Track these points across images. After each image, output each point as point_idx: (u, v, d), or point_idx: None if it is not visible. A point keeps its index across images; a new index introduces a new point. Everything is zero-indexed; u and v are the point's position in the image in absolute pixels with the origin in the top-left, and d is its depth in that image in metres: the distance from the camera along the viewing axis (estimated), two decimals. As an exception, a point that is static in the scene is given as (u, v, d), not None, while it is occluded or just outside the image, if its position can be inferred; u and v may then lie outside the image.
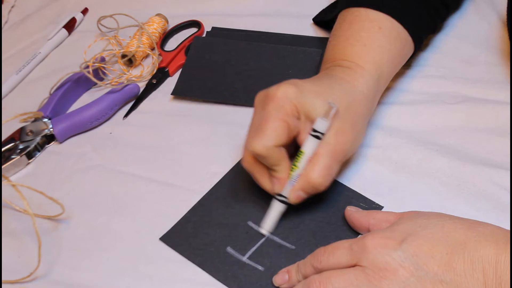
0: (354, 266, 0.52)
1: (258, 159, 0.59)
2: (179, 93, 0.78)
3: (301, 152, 0.59)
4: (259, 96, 0.61)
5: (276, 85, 0.60)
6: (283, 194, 0.60)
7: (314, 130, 0.58)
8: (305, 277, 0.55)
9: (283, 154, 0.59)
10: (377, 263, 0.50)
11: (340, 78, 0.64)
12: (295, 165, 0.59)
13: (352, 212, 0.60)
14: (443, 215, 0.55)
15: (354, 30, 0.68)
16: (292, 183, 0.59)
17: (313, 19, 0.83)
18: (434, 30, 0.77)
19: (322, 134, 0.58)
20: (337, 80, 0.63)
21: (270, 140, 0.58)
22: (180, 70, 0.82)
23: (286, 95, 0.59)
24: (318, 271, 0.54)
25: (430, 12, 0.73)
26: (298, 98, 0.59)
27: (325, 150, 0.58)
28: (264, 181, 0.61)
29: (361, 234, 0.60)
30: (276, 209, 0.61)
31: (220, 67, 0.79)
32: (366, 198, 0.63)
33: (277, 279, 0.57)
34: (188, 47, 0.84)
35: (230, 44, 0.82)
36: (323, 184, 0.59)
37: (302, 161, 0.59)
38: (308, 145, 0.58)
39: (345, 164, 0.66)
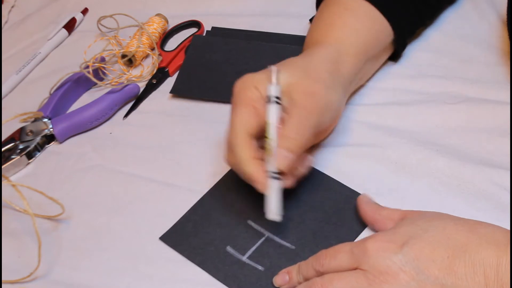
0: (355, 269, 0.52)
1: (234, 151, 0.59)
2: (178, 92, 0.78)
3: (267, 123, 0.59)
4: (236, 87, 0.63)
5: (248, 74, 0.63)
6: (271, 169, 0.57)
7: (268, 97, 0.59)
8: (306, 279, 0.55)
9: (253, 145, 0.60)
10: (378, 267, 0.50)
11: (303, 54, 0.67)
12: (267, 137, 0.58)
13: (363, 203, 0.61)
14: (445, 216, 0.55)
15: (323, 13, 0.71)
16: (274, 155, 0.57)
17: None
18: (420, 16, 0.76)
19: (277, 98, 0.58)
20: (298, 56, 0.66)
21: (242, 126, 0.59)
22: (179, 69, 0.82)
23: (244, 83, 0.61)
24: (320, 274, 0.54)
25: None
26: (255, 82, 0.61)
27: (293, 106, 0.59)
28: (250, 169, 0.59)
29: (361, 234, 0.60)
30: (273, 189, 0.57)
31: (219, 66, 0.79)
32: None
33: (278, 279, 0.57)
34: (188, 47, 0.84)
35: (230, 43, 0.82)
36: (299, 133, 0.58)
37: (271, 130, 0.58)
38: (270, 114, 0.59)
39: (345, 163, 0.66)
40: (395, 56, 0.76)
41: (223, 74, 0.78)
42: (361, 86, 0.75)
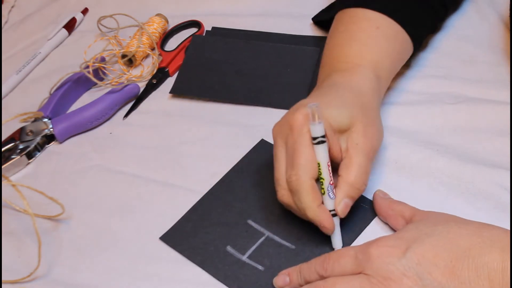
0: (359, 273, 0.52)
1: (299, 197, 0.57)
2: (177, 91, 0.78)
3: (318, 164, 0.57)
4: (277, 128, 0.60)
5: (290, 112, 0.59)
6: (330, 208, 0.58)
7: (314, 138, 0.57)
8: (307, 281, 0.55)
9: (318, 191, 0.58)
10: (382, 272, 0.50)
11: (343, 83, 0.63)
12: (321, 178, 0.57)
13: (379, 198, 0.61)
14: (450, 219, 0.54)
15: (352, 30, 0.68)
16: (329, 194, 0.57)
17: (313, 19, 0.83)
18: (433, 30, 0.77)
19: (323, 137, 0.57)
20: (341, 85, 0.63)
21: (308, 172, 0.56)
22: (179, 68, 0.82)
23: (305, 118, 0.57)
24: (322, 278, 0.54)
25: (428, 12, 0.73)
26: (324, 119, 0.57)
27: (356, 151, 0.58)
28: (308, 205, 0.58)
29: (361, 234, 0.60)
30: (336, 227, 0.58)
31: (218, 66, 0.79)
32: (366, 198, 0.63)
33: (278, 281, 0.57)
34: (188, 47, 0.84)
35: (229, 42, 0.82)
36: (364, 184, 0.58)
37: (323, 171, 0.57)
38: (318, 154, 0.57)
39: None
40: None
41: (222, 73, 0.78)
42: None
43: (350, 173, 0.58)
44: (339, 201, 0.58)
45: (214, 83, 0.77)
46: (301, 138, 0.57)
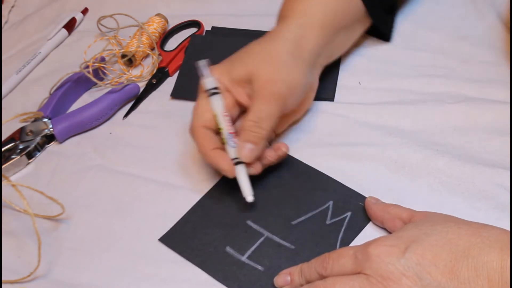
0: (359, 273, 0.52)
1: (196, 145, 0.63)
2: (178, 95, 0.78)
3: (214, 115, 0.61)
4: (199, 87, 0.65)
5: None
6: (233, 156, 0.61)
7: (206, 91, 0.61)
8: (308, 281, 0.55)
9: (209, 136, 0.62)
10: (381, 272, 0.50)
11: (263, 37, 0.67)
12: (219, 129, 0.61)
13: (372, 204, 0.61)
14: (450, 220, 0.54)
15: None
16: (230, 143, 0.61)
17: None
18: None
19: (215, 88, 0.60)
20: (259, 40, 0.66)
21: (200, 120, 0.61)
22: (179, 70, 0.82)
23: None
24: (323, 277, 0.54)
25: None
26: (217, 73, 0.62)
27: (256, 97, 0.61)
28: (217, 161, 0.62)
29: (360, 234, 0.60)
30: (239, 174, 0.61)
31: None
32: (366, 198, 0.63)
33: (279, 280, 0.57)
34: (187, 48, 0.83)
35: (228, 42, 0.82)
36: (261, 127, 0.60)
37: (219, 120, 0.61)
38: (213, 105, 0.61)
39: (345, 163, 0.66)
40: (380, 33, 0.77)
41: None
42: (361, 86, 0.75)
43: (248, 117, 0.60)
44: (240, 146, 0.60)
45: None
46: (200, 93, 0.63)
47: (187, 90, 0.78)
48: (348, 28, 0.71)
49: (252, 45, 0.66)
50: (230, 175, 0.62)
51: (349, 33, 0.73)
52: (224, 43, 0.82)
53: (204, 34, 0.86)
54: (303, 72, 0.64)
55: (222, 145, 0.63)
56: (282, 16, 0.69)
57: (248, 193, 0.61)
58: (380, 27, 0.76)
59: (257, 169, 0.63)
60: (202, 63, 0.62)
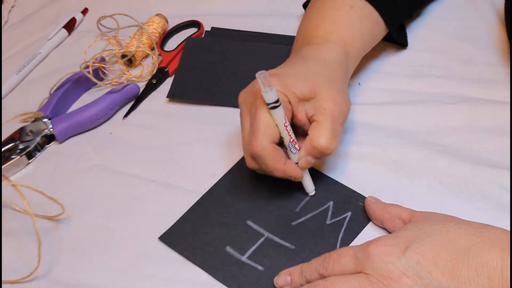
0: (359, 273, 0.52)
1: (258, 160, 0.60)
2: (174, 96, 0.78)
3: (276, 125, 0.60)
4: (242, 95, 0.62)
5: (254, 81, 0.61)
6: (295, 161, 0.62)
7: (268, 104, 0.59)
8: (308, 281, 0.55)
9: (279, 152, 0.60)
10: (381, 272, 0.50)
11: (311, 55, 0.66)
12: (282, 137, 0.60)
13: (371, 204, 0.61)
14: (450, 219, 0.54)
15: (326, 7, 0.71)
16: (292, 150, 0.61)
17: (303, 5, 0.83)
18: (409, 15, 0.78)
19: (276, 102, 0.58)
20: (308, 57, 0.65)
21: (268, 137, 0.59)
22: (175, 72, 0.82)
23: (251, 90, 0.60)
24: (323, 277, 0.54)
25: None
26: (280, 86, 0.59)
27: (323, 115, 0.60)
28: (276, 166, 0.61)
29: (360, 234, 0.60)
30: (305, 175, 0.63)
31: (214, 68, 0.79)
32: (366, 197, 0.63)
33: (279, 280, 0.57)
34: (183, 50, 0.83)
35: (224, 44, 0.82)
36: (329, 148, 0.60)
37: (281, 130, 0.60)
38: (276, 117, 0.59)
39: (345, 163, 0.66)
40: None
41: (218, 76, 0.78)
42: (361, 87, 0.75)
43: (316, 134, 0.60)
44: (301, 157, 0.61)
45: (210, 86, 0.77)
46: (260, 106, 0.59)
47: (183, 91, 0.78)
48: (370, 48, 0.74)
49: (307, 63, 0.64)
50: (300, 180, 0.63)
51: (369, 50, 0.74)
52: (219, 45, 0.82)
53: (204, 36, 0.86)
54: (349, 96, 0.66)
55: (287, 154, 0.62)
56: (322, 38, 0.68)
57: (311, 189, 0.64)
58: (401, 41, 0.77)
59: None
60: (262, 75, 0.57)
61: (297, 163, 0.62)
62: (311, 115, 0.61)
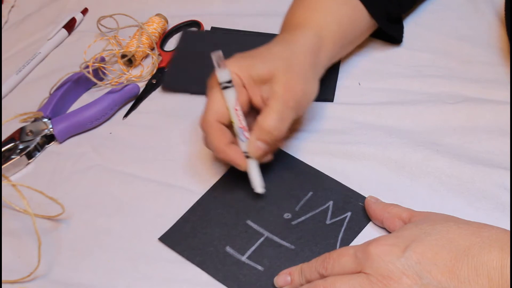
0: (359, 272, 0.52)
1: (208, 140, 0.62)
2: (169, 86, 0.78)
3: (227, 108, 0.61)
4: (209, 79, 0.64)
5: None
6: (243, 150, 0.62)
7: (220, 84, 0.61)
8: (308, 281, 0.55)
9: (224, 132, 0.62)
10: (381, 271, 0.50)
11: (281, 40, 0.67)
12: (232, 122, 0.61)
13: (371, 203, 0.61)
14: (450, 219, 0.55)
15: None
16: (241, 137, 0.61)
17: None
18: (400, 4, 0.77)
19: (229, 82, 0.60)
20: (277, 42, 0.67)
21: (214, 115, 0.61)
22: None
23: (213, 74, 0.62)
24: (323, 277, 0.54)
25: None
26: (236, 67, 0.61)
27: (273, 98, 0.61)
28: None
29: (360, 234, 0.60)
30: (250, 167, 0.62)
31: (208, 60, 0.79)
32: (366, 197, 0.63)
33: (279, 280, 0.57)
34: (179, 41, 0.84)
35: (219, 37, 0.82)
36: (277, 128, 0.61)
37: (231, 114, 0.61)
38: (226, 99, 0.61)
39: (345, 163, 0.66)
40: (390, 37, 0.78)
41: (212, 68, 0.78)
42: (361, 87, 0.75)
43: (264, 117, 0.61)
44: (250, 142, 0.61)
45: (204, 78, 0.77)
46: (214, 86, 0.62)
47: (177, 82, 0.78)
48: (350, 42, 0.74)
49: (273, 46, 0.66)
50: (242, 169, 0.63)
51: (349, 46, 0.75)
52: (215, 38, 0.82)
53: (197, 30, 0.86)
54: (316, 83, 0.66)
55: (235, 139, 0.63)
56: (296, 23, 0.69)
57: (259, 185, 0.63)
58: (392, 34, 0.77)
59: (269, 156, 0.64)
60: (217, 54, 0.61)
61: (245, 153, 0.62)
62: (266, 99, 0.62)
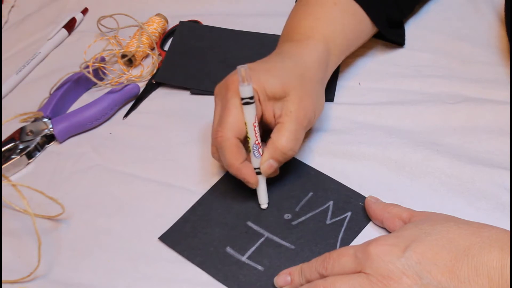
0: (359, 272, 0.52)
1: (223, 155, 0.61)
2: (162, 79, 0.78)
3: (245, 123, 0.60)
4: (218, 88, 0.63)
5: (230, 73, 0.62)
6: (255, 166, 0.62)
7: (242, 99, 0.60)
8: (308, 281, 0.55)
9: (240, 149, 0.61)
10: (381, 271, 0.50)
11: (290, 52, 0.66)
12: (248, 137, 0.61)
13: (371, 203, 0.61)
14: (450, 219, 0.55)
15: (311, 4, 0.71)
16: (255, 153, 0.61)
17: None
18: (401, 11, 0.77)
19: (251, 98, 0.59)
20: (287, 55, 0.66)
21: (233, 130, 0.60)
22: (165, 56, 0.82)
23: (232, 83, 0.61)
24: (323, 277, 0.54)
25: None
26: (253, 81, 0.60)
27: (288, 117, 0.61)
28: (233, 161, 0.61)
29: (360, 234, 0.60)
30: (259, 183, 0.62)
31: (203, 54, 0.80)
32: (366, 197, 0.63)
33: (279, 280, 0.57)
34: (174, 33, 0.84)
35: (215, 31, 0.82)
36: (292, 149, 0.61)
37: (249, 130, 0.60)
38: (245, 114, 0.60)
39: (345, 163, 0.66)
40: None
41: (207, 62, 0.78)
42: (361, 87, 0.75)
43: (279, 136, 0.61)
44: (264, 161, 0.61)
45: (198, 72, 0.78)
46: (232, 98, 0.60)
47: (170, 75, 0.79)
48: (357, 47, 0.74)
49: (284, 60, 0.65)
50: (254, 187, 0.62)
51: (348, 54, 0.74)
52: (210, 32, 0.82)
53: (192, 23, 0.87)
54: (323, 97, 0.66)
55: (247, 155, 0.62)
56: (303, 34, 0.68)
57: (264, 201, 0.63)
58: (393, 39, 0.77)
59: (277, 172, 0.64)
60: (243, 69, 0.59)
61: (256, 169, 0.61)
62: (278, 115, 0.62)
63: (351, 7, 0.71)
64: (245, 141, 0.61)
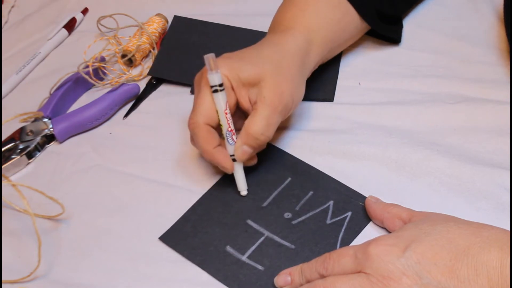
0: (359, 272, 0.52)
1: (196, 142, 0.62)
2: (156, 73, 0.79)
3: (216, 111, 0.61)
4: (197, 76, 0.64)
5: None
6: (230, 153, 0.63)
7: (211, 87, 0.61)
8: (308, 281, 0.55)
9: (212, 134, 0.62)
10: (381, 271, 0.50)
11: (270, 42, 0.67)
12: (220, 125, 0.62)
13: (372, 203, 0.61)
14: (450, 219, 0.55)
15: None
16: (229, 140, 0.62)
17: None
18: (394, 5, 0.77)
19: (220, 86, 0.60)
20: (266, 44, 0.67)
21: (203, 116, 0.61)
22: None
23: (203, 73, 0.62)
24: (323, 277, 0.54)
25: None
26: (226, 69, 0.61)
27: (262, 103, 0.61)
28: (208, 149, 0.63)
29: (360, 234, 0.60)
30: (236, 170, 0.64)
31: (197, 49, 0.80)
32: (366, 197, 0.63)
33: (279, 280, 0.57)
34: (169, 27, 0.84)
35: (209, 26, 0.82)
36: (263, 134, 0.61)
37: (220, 117, 0.61)
38: (216, 102, 0.61)
39: (345, 163, 0.66)
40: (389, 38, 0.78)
41: (199, 57, 0.78)
42: (361, 87, 0.75)
43: (251, 122, 0.61)
44: (237, 147, 0.62)
45: (191, 67, 0.77)
46: (205, 86, 0.62)
47: (164, 70, 0.79)
48: (345, 42, 0.74)
49: (262, 49, 0.66)
50: (229, 172, 0.63)
51: (338, 49, 0.75)
52: (205, 27, 0.83)
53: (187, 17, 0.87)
54: (303, 86, 0.66)
55: (222, 141, 0.63)
56: (286, 25, 0.69)
57: (243, 188, 0.64)
58: (386, 34, 0.77)
59: (254, 160, 0.65)
60: (209, 57, 0.61)
61: (232, 156, 0.62)
62: (254, 101, 0.62)
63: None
64: (219, 128, 0.62)
